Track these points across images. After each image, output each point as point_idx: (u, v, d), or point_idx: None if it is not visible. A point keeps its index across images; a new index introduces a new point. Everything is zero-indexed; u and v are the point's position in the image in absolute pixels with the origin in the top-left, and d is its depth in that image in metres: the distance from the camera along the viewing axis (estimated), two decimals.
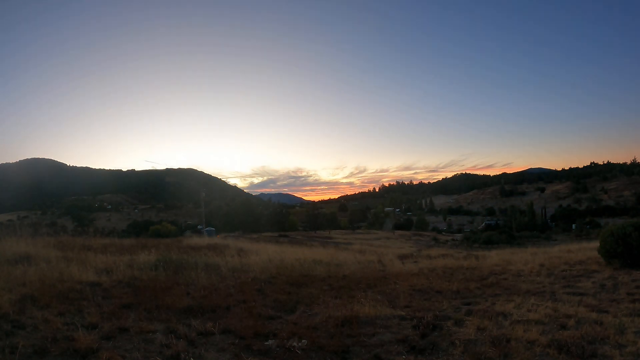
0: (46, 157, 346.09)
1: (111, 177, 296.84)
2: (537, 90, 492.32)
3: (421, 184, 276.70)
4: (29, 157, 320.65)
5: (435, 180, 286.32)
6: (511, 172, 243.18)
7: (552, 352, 3.74)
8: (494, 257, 14.69)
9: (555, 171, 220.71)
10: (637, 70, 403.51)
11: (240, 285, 7.45)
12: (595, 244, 11.44)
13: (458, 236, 58.90)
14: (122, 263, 9.03)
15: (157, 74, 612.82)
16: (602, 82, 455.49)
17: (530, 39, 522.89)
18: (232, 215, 60.59)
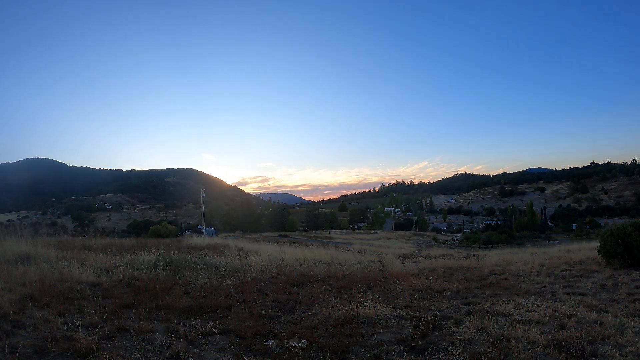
0: (46, 157, 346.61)
1: (111, 177, 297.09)
2: (537, 91, 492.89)
3: (421, 184, 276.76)
4: (29, 157, 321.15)
5: (435, 181, 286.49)
6: (511, 172, 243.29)
7: (552, 352, 3.73)
8: (494, 257, 14.67)
9: (555, 171, 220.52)
10: (637, 71, 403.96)
11: (240, 285, 7.44)
12: (595, 244, 11.43)
13: (458, 236, 58.88)
14: (122, 263, 9.03)
15: (157, 74, 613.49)
16: (602, 82, 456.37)
17: (531, 40, 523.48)
18: (232, 215, 60.54)
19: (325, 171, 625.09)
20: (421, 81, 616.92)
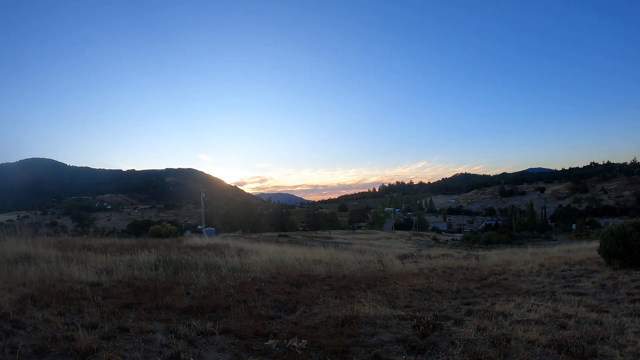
0: (46, 157, 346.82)
1: (111, 177, 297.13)
2: (536, 90, 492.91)
3: (421, 184, 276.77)
4: (29, 157, 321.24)
5: (435, 181, 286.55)
6: (511, 172, 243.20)
7: (552, 352, 3.73)
8: (494, 257, 14.67)
9: (555, 171, 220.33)
10: (636, 71, 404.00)
11: (240, 285, 7.44)
12: (595, 244, 11.43)
13: (458, 236, 58.90)
14: (122, 263, 9.03)
15: (156, 74, 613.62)
16: (602, 82, 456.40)
17: (530, 39, 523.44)
18: (232, 215, 60.57)
19: (322, 171, 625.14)
20: (418, 80, 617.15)
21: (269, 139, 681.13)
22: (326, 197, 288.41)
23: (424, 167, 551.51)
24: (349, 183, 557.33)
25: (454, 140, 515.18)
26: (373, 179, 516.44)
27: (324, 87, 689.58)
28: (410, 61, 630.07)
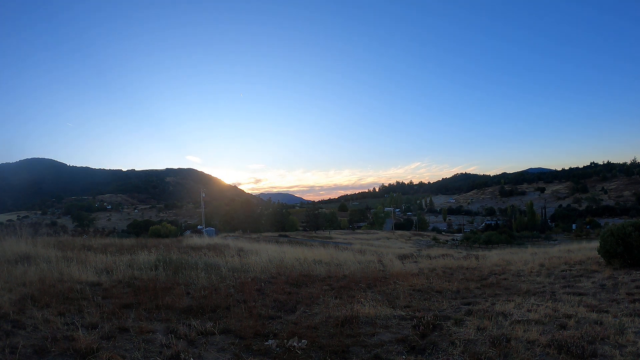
0: (46, 157, 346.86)
1: (111, 177, 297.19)
2: (537, 90, 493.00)
3: (421, 184, 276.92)
4: (29, 157, 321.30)
5: (435, 181, 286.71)
6: (511, 172, 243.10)
7: (552, 352, 3.73)
8: (494, 257, 14.67)
9: (555, 171, 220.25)
10: (636, 71, 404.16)
11: (240, 285, 7.44)
12: (595, 244, 11.43)
13: (458, 236, 58.95)
14: (122, 263, 9.03)
15: (156, 74, 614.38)
16: (602, 82, 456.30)
17: (531, 40, 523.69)
18: (232, 215, 60.61)
19: (316, 172, 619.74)
20: (414, 80, 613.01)
21: (260, 140, 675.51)
22: (325, 197, 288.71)
23: (418, 168, 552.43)
24: (345, 184, 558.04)
25: (447, 140, 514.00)
26: (369, 180, 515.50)
27: (317, 88, 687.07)
28: (405, 61, 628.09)
